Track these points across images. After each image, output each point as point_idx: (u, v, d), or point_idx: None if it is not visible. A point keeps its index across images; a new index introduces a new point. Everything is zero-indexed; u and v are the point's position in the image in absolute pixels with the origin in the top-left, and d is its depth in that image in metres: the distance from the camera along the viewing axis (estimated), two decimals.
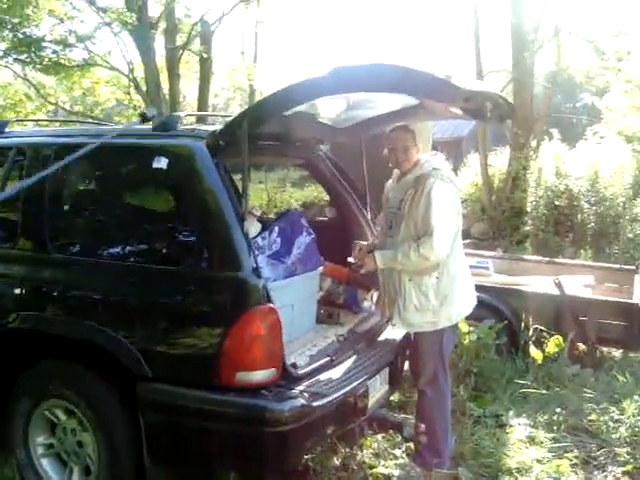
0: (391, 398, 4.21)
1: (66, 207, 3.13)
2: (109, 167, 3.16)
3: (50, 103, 13.59)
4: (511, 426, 4.13)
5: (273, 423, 2.69)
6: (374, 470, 3.50)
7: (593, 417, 4.20)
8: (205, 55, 12.47)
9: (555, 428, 4.11)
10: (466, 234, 9.32)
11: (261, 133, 3.33)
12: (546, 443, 3.91)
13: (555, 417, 4.20)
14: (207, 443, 2.80)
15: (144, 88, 12.08)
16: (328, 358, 3.15)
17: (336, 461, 3.60)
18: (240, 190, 2.99)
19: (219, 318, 2.73)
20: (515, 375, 4.75)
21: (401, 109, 3.67)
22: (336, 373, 3.10)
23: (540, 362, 4.81)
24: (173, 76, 12.06)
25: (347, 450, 3.66)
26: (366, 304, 3.91)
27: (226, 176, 2.94)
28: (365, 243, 3.65)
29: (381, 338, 3.66)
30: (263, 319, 2.72)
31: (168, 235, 2.99)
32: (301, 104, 2.83)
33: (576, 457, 3.77)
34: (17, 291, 3.16)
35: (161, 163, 2.94)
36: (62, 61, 11.31)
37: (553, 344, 4.80)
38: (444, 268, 3.40)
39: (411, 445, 3.74)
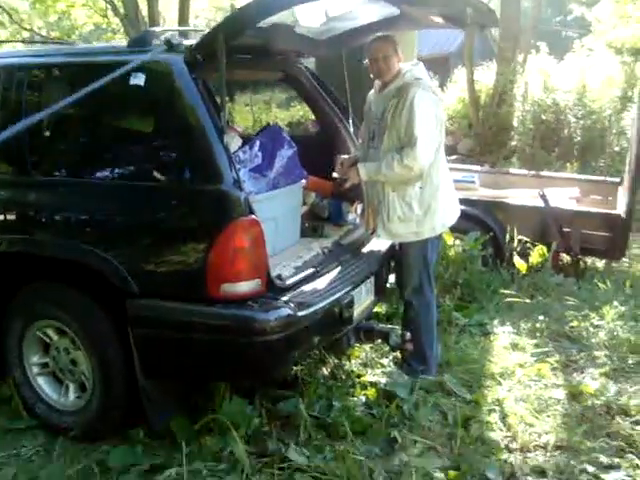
0: (378, 310, 4.31)
1: (45, 128, 3.06)
2: (85, 85, 3.08)
3: (24, 29, 13.10)
4: (495, 334, 4.25)
5: (260, 333, 2.74)
6: (362, 379, 3.60)
7: (574, 323, 4.32)
8: None
9: (538, 335, 4.24)
10: (453, 150, 9.29)
11: (239, 46, 3.26)
12: (529, 349, 4.04)
13: (538, 324, 4.32)
14: (196, 355, 2.85)
15: (122, 11, 11.66)
16: (313, 269, 3.18)
17: (325, 371, 3.70)
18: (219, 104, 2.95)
19: (202, 231, 2.75)
20: (500, 285, 4.85)
21: (382, 19, 3.58)
22: (321, 284, 3.14)
23: (524, 273, 4.91)
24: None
25: (335, 360, 3.76)
26: (350, 217, 3.92)
27: (205, 91, 2.89)
28: (347, 156, 3.64)
29: (366, 250, 3.69)
30: (246, 231, 2.73)
31: (149, 152, 2.95)
32: (275, 13, 2.74)
33: (557, 361, 3.89)
34: (2, 216, 3.16)
35: (138, 79, 2.87)
36: None
37: (537, 255, 4.88)
38: (427, 178, 3.40)
39: (398, 354, 3.84)
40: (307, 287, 3.06)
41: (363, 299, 3.44)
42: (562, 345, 4.13)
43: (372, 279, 3.55)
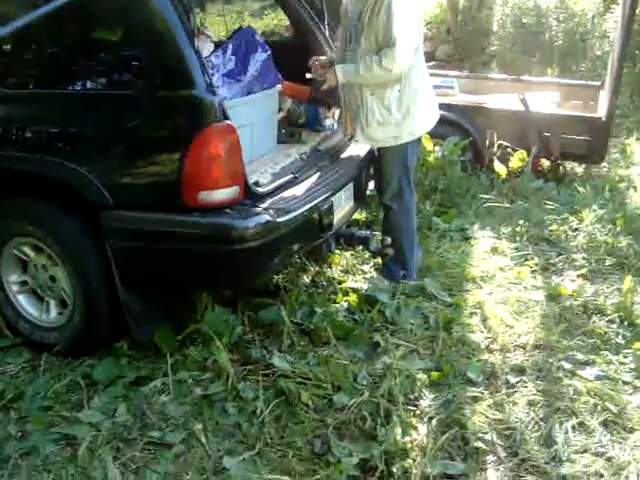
0: (357, 217, 4.28)
1: (9, 39, 2.88)
2: None
3: None
4: (475, 239, 4.26)
5: (239, 240, 2.70)
6: (343, 285, 3.61)
7: (554, 227, 4.33)
8: None
9: (518, 239, 4.25)
10: (431, 56, 9.05)
11: None
12: (509, 253, 4.06)
13: (518, 229, 4.33)
14: (175, 265, 2.82)
15: None
16: (291, 175, 3.11)
17: (306, 279, 3.70)
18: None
19: (176, 138, 2.64)
20: (480, 191, 4.84)
21: None
22: (300, 190, 3.08)
23: (504, 177, 4.88)
24: None
25: (316, 268, 3.76)
26: (328, 122, 3.82)
27: None
28: (322, 58, 3.50)
29: (344, 155, 3.61)
30: (221, 136, 2.63)
31: (119, 59, 2.79)
32: None
33: (536, 264, 3.93)
34: None
35: None
36: None
37: (517, 159, 4.84)
38: (406, 81, 3.29)
39: (378, 260, 3.85)
40: (286, 193, 3.01)
41: (343, 205, 3.41)
42: (541, 248, 4.16)
43: (351, 185, 3.50)
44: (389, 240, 3.57)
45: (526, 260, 3.97)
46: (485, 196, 4.68)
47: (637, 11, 4.97)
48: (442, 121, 5.16)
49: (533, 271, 3.86)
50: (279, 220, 2.77)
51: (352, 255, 3.96)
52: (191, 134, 2.60)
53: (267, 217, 2.74)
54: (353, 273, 3.79)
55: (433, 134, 4.96)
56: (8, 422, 2.65)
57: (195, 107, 2.62)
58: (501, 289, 3.64)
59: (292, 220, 2.85)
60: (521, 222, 4.39)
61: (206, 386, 2.82)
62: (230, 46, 3.09)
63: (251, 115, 3.10)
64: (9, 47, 3.01)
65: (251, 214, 2.73)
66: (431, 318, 3.31)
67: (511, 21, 9.07)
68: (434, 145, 4.88)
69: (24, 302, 3.20)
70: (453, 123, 5.12)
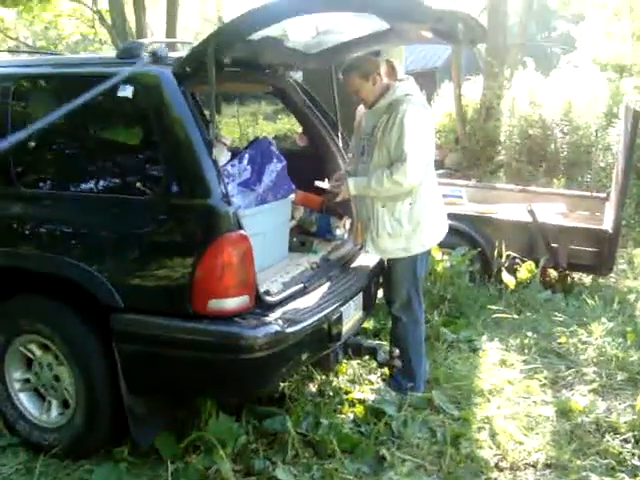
0: (366, 326, 4.27)
1: (31, 140, 3.00)
2: (73, 97, 3.05)
3: (10, 38, 13.01)
4: (484, 350, 4.23)
5: (248, 350, 2.70)
6: (350, 396, 3.56)
7: (562, 340, 4.31)
8: None
9: (526, 351, 4.22)
10: (440, 164, 9.30)
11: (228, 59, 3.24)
12: (517, 365, 4.02)
13: (526, 340, 4.31)
14: (183, 372, 2.80)
15: (109, 21, 11.62)
16: (301, 285, 3.14)
17: (312, 388, 3.66)
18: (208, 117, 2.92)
19: (190, 246, 2.70)
20: (488, 301, 4.84)
21: (371, 34, 3.56)
22: (310, 300, 3.10)
23: (513, 288, 4.89)
24: (139, 8, 11.58)
25: (323, 377, 3.72)
26: (339, 232, 3.89)
27: (193, 103, 2.86)
28: (342, 172, 3.62)
29: (354, 265, 3.66)
30: (234, 246, 2.69)
31: (136, 165, 2.91)
32: (265, 27, 2.72)
33: (545, 377, 3.88)
34: None
35: (126, 91, 2.83)
36: None
37: (525, 270, 4.88)
38: (417, 194, 3.38)
39: (386, 370, 3.81)
40: (296, 303, 3.02)
41: (352, 315, 3.41)
42: (551, 361, 4.11)
43: (361, 295, 3.52)
44: (397, 352, 3.56)
45: (535, 373, 3.92)
46: (493, 307, 4.68)
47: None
48: (451, 231, 5.28)
49: (542, 385, 3.81)
50: (288, 331, 2.77)
51: (359, 364, 3.93)
52: (205, 242, 2.66)
53: (276, 327, 2.75)
54: (360, 383, 3.74)
55: (442, 244, 5.06)
56: None
57: (210, 216, 2.69)
58: (510, 403, 3.58)
59: (301, 331, 2.85)
60: (529, 334, 4.37)
61: None
62: (247, 156, 3.20)
63: (264, 224, 3.18)
64: (28, 146, 3.12)
65: (260, 324, 2.74)
66: (438, 432, 3.25)
67: (518, 132, 9.38)
68: (442, 254, 4.94)
69: (25, 400, 3.17)
70: (461, 233, 5.22)
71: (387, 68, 3.44)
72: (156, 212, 2.76)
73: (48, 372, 3.08)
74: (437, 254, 4.82)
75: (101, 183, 2.91)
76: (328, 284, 3.33)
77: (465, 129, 10.18)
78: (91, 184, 2.93)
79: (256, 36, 2.99)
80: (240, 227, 2.73)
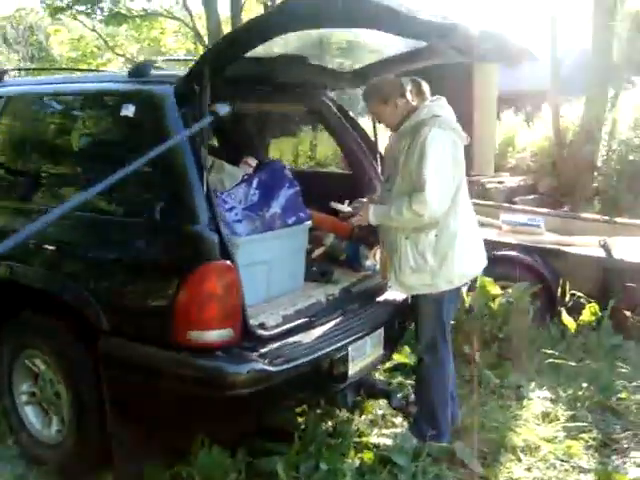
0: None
1: (34, 155, 3.03)
2: (80, 112, 3.05)
3: (117, 54, 13.72)
4: (530, 399, 3.81)
5: (228, 386, 2.54)
6: (364, 439, 3.30)
7: (624, 395, 3.81)
8: (269, 3, 12.04)
9: (578, 404, 3.76)
10: (533, 189, 8.75)
11: (257, 77, 3.13)
12: (563, 420, 3.58)
13: (580, 392, 3.85)
14: (164, 403, 2.68)
15: (206, 40, 11.96)
16: (307, 319, 2.95)
17: (329, 425, 3.43)
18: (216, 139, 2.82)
19: (172, 272, 2.59)
20: (546, 344, 4.38)
21: (408, 51, 3.33)
22: (312, 335, 2.89)
23: (573, 332, 4.41)
24: (236, 25, 11.78)
25: (347, 414, 3.49)
26: (369, 262, 3.64)
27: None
28: (365, 200, 3.40)
29: (381, 298, 3.41)
30: (217, 276, 2.55)
31: (128, 186, 2.84)
32: (257, 45, 2.56)
33: (593, 438, 3.43)
34: None
35: (128, 110, 2.79)
36: (122, 11, 11.32)
37: (589, 312, 4.38)
38: (443, 225, 3.09)
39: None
40: (294, 339, 2.83)
41: (368, 353, 3.17)
42: (605, 419, 3.64)
43: (381, 331, 3.27)
44: (413, 397, 3.26)
45: (582, 432, 3.47)
46: (549, 351, 4.21)
47: None
48: (516, 263, 4.90)
49: (588, 447, 3.36)
50: (275, 369, 2.59)
51: (386, 403, 3.65)
52: (187, 270, 2.54)
53: (260, 365, 2.57)
54: (382, 426, 3.47)
55: (502, 277, 4.69)
56: None
57: (194, 243, 2.58)
58: (544, 465, 3.18)
59: (292, 369, 2.66)
60: (585, 384, 3.90)
61: None
62: (256, 179, 3.05)
63: (269, 252, 3.01)
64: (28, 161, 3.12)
65: (243, 359, 2.58)
66: None
67: (617, 157, 8.64)
68: (502, 289, 4.53)
69: (30, 413, 3.20)
70: (528, 266, 4.80)
71: (414, 88, 3.19)
72: (143, 235, 2.69)
73: (50, 388, 3.09)
74: (493, 289, 4.44)
75: (93, 202, 2.84)
76: (340, 319, 3.11)
77: (562, 153, 9.52)
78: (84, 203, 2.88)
79: (271, 54, 2.86)
80: (228, 256, 2.58)
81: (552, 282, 4.76)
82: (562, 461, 3.22)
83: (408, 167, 3.06)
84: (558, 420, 3.59)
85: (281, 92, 3.49)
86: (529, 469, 3.14)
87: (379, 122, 3.29)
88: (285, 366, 2.64)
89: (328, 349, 2.85)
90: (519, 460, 3.21)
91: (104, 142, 3.00)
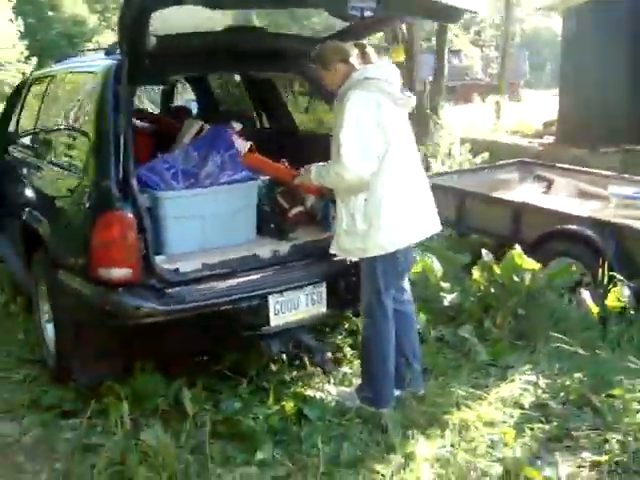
0: None
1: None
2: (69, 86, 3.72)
3: None
4: (511, 382, 3.54)
5: (120, 316, 2.97)
6: (298, 389, 3.50)
7: (615, 392, 3.33)
8: None
9: (561, 395, 3.42)
10: None
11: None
12: (527, 408, 3.31)
13: (569, 382, 3.48)
14: (85, 326, 3.23)
15: None
16: (229, 269, 3.22)
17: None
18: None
19: (89, 218, 3.09)
20: (573, 327, 3.96)
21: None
22: (226, 284, 3.17)
23: (596, 315, 3.92)
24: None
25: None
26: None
27: (129, 95, 3.15)
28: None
29: (331, 258, 3.47)
30: (115, 223, 2.99)
31: (73, 145, 3.40)
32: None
33: (548, 431, 3.15)
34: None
35: (92, 83, 3.32)
36: None
37: (613, 297, 3.85)
38: (372, 189, 3.09)
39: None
40: (207, 285, 3.16)
41: (302, 308, 3.33)
42: (579, 415, 3.25)
43: (322, 289, 3.38)
44: (329, 354, 3.33)
45: (540, 423, 3.20)
46: (564, 337, 3.78)
47: None
48: (572, 237, 4.46)
49: (535, 438, 3.10)
50: (162, 308, 2.96)
51: None
52: (94, 216, 3.04)
53: (150, 303, 2.96)
54: (330, 382, 3.59)
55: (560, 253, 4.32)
56: None
57: (101, 194, 3.04)
58: (463, 447, 3.01)
59: (184, 310, 2.99)
60: (579, 375, 3.50)
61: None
62: (197, 142, 3.38)
63: (202, 207, 3.33)
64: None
65: (137, 297, 2.98)
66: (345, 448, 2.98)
67: None
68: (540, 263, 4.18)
69: (49, 330, 3.87)
70: (587, 242, 4.32)
71: (359, 53, 3.18)
72: (73, 186, 3.24)
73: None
74: (523, 262, 4.11)
75: (56, 157, 3.47)
76: (270, 272, 3.31)
77: None
78: (50, 157, 3.54)
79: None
80: (135, 208, 2.98)
81: (615, 263, 4.22)
82: (488, 447, 3.03)
83: (335, 129, 3.10)
84: (522, 407, 3.34)
85: (269, 61, 3.71)
86: (442, 447, 3.01)
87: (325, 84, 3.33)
88: (176, 306, 2.99)
89: (236, 296, 3.11)
90: (442, 437, 3.10)
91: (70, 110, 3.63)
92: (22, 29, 23.73)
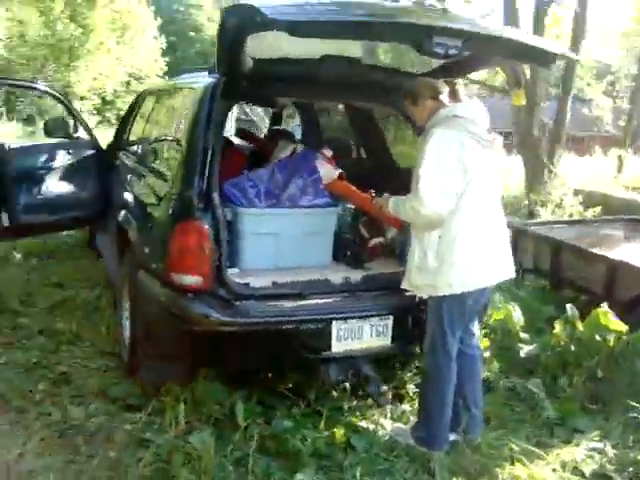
0: None
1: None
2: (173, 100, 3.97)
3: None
4: (574, 445, 3.35)
5: (183, 320, 3.11)
6: (355, 419, 3.46)
7: None
8: (578, 10, 10.95)
9: (630, 470, 3.19)
10: None
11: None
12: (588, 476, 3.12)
13: (633, 455, 3.24)
14: (154, 324, 3.40)
15: None
16: (298, 291, 3.28)
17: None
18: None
19: (170, 224, 3.24)
20: None
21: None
22: (294, 304, 3.23)
23: None
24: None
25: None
26: None
27: (221, 113, 3.32)
28: None
29: (402, 294, 3.44)
30: (190, 232, 3.12)
31: (168, 154, 3.60)
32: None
33: None
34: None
35: (191, 99, 3.54)
36: None
37: None
38: (447, 227, 3.06)
39: None
40: (274, 302, 3.23)
41: (365, 338, 3.34)
42: None
43: (388, 322, 3.37)
44: (384, 388, 3.27)
45: None
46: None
47: None
48: None
49: None
50: (225, 319, 3.06)
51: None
52: (172, 224, 3.21)
53: (215, 313, 3.07)
54: (389, 417, 3.54)
55: None
56: None
57: (180, 203, 3.22)
58: None
59: (246, 324, 3.08)
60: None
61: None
62: (282, 164, 3.48)
63: (278, 227, 3.44)
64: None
65: (204, 305, 3.09)
66: None
67: None
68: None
69: (127, 326, 4.06)
70: None
71: (449, 91, 3.18)
72: (164, 195, 3.42)
73: None
74: (608, 322, 3.89)
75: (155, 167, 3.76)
76: (338, 298, 3.34)
77: None
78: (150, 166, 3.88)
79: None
80: (214, 220, 3.12)
81: None
82: None
83: (416, 164, 3.11)
84: (583, 475, 3.14)
85: (362, 92, 3.79)
86: None
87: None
88: (240, 319, 3.09)
89: (300, 317, 3.17)
90: None
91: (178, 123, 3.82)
92: (164, 46, 25.49)
